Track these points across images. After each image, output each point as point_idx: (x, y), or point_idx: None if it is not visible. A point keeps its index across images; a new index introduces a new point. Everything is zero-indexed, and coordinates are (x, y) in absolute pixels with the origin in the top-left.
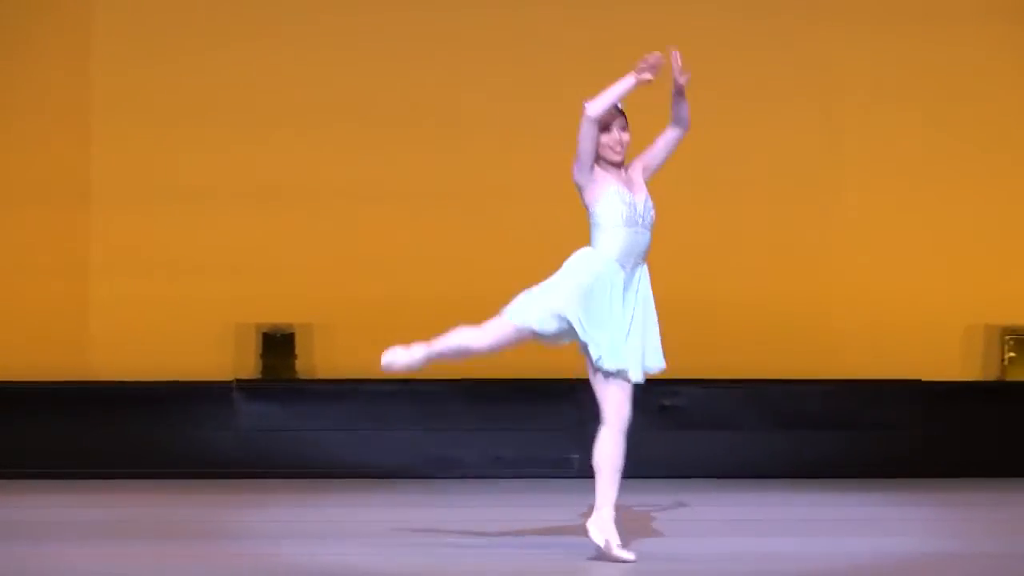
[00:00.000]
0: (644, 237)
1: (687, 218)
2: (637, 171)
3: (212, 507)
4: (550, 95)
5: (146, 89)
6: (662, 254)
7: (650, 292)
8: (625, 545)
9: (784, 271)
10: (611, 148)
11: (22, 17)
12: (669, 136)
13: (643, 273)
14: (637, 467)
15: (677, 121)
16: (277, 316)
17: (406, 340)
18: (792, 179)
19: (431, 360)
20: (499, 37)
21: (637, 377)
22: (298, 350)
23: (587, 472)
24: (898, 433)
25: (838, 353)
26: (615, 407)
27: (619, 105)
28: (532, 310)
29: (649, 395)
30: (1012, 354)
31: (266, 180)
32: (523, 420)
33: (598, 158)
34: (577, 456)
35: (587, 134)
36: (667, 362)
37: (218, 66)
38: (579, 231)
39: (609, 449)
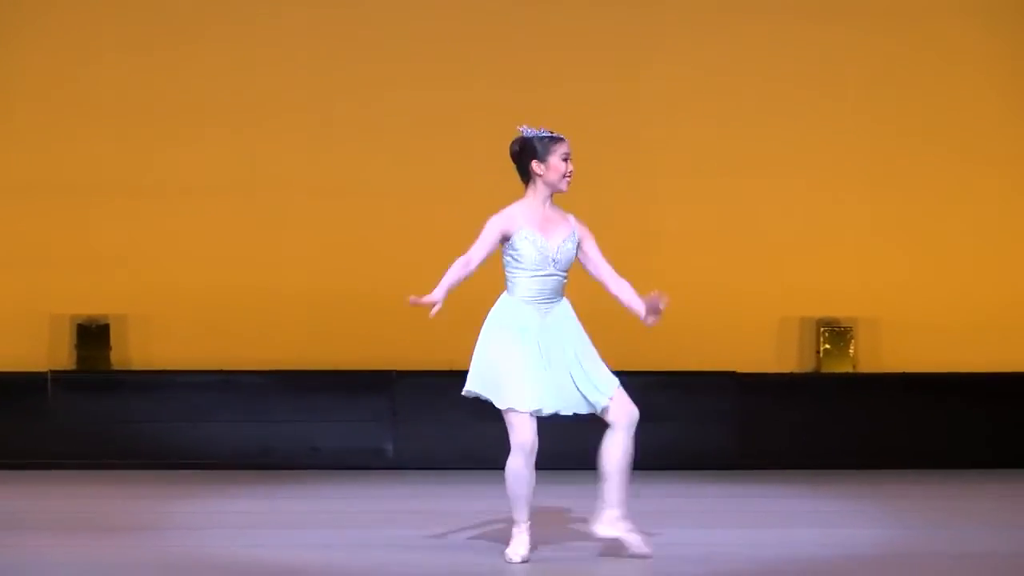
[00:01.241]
0: (557, 278)
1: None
2: (573, 233)
3: (20, 499)
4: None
5: None
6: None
7: (577, 329)
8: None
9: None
10: (564, 178)
11: None
12: (607, 281)
13: (562, 309)
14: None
15: (620, 300)
16: (92, 308)
17: (222, 332)
18: (612, 171)
19: None
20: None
21: (549, 410)
22: (113, 341)
23: (402, 462)
24: (714, 425)
25: (654, 345)
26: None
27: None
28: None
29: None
30: (827, 346)
31: (80, 172)
32: (339, 411)
33: (535, 184)
34: (391, 447)
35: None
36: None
37: (22, 59)
38: (391, 227)
39: (610, 451)
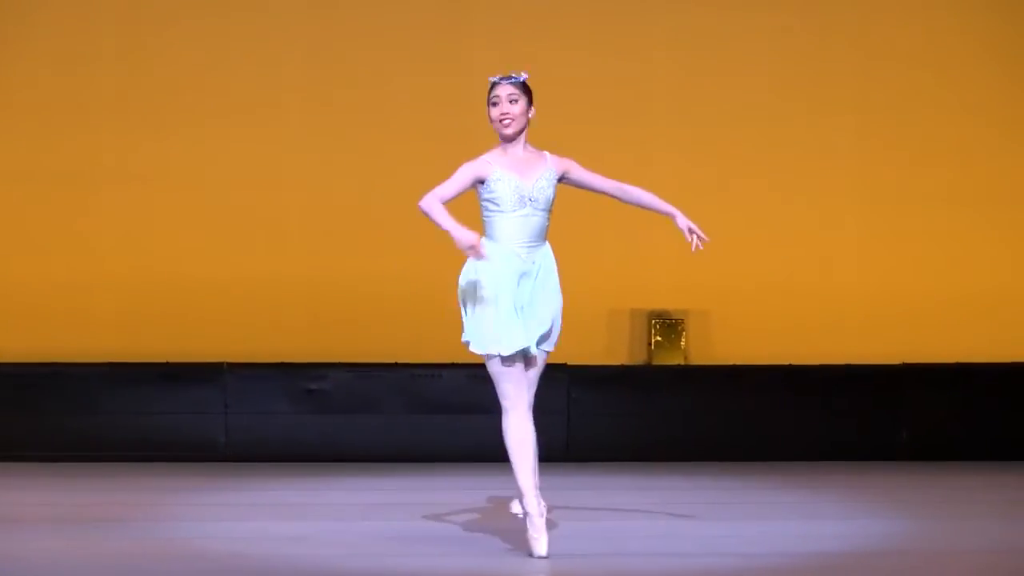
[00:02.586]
0: (536, 218)
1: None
2: (550, 170)
3: None
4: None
5: None
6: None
7: (553, 275)
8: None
9: (419, 253)
10: (498, 122)
11: None
12: (613, 191)
13: (544, 254)
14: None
15: (639, 204)
16: None
17: (55, 323)
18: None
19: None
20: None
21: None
22: None
23: (233, 454)
24: (544, 418)
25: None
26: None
27: (502, 78)
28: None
29: (297, 380)
30: (659, 338)
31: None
32: (169, 403)
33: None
34: (223, 440)
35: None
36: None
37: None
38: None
39: (511, 433)
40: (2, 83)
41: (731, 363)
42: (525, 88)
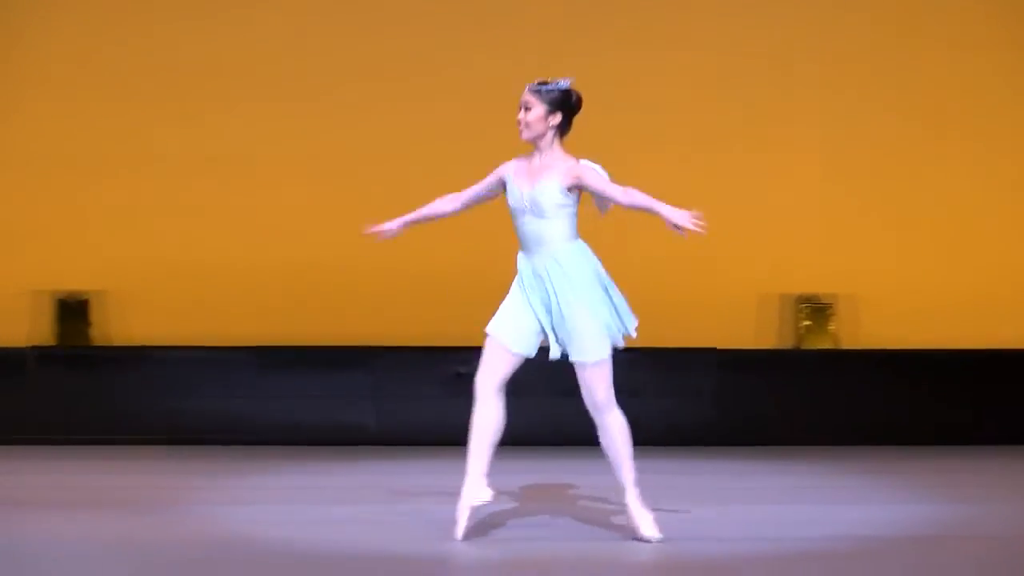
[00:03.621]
0: (534, 225)
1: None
2: (558, 179)
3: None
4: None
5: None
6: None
7: (566, 282)
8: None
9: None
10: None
11: None
12: (616, 197)
13: (552, 261)
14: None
15: (636, 206)
16: (72, 283)
17: (202, 307)
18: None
19: None
20: None
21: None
22: (93, 317)
23: (383, 438)
24: (695, 401)
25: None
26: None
27: (531, 84)
28: None
29: (447, 363)
30: (808, 322)
31: (59, 146)
32: (320, 387)
33: None
34: (373, 422)
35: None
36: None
37: (99, 35)
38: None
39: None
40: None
41: (880, 347)
42: (545, 95)
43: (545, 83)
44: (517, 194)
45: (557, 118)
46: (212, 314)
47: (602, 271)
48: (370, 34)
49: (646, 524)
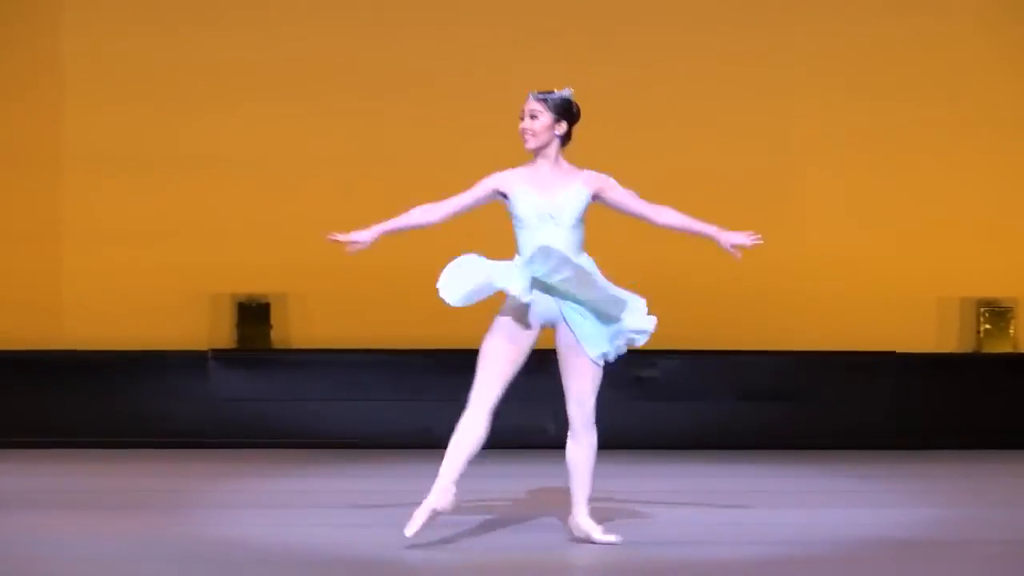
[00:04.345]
0: (555, 234)
1: (660, 186)
2: (579, 189)
3: (180, 477)
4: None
5: (119, 58)
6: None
7: (590, 279)
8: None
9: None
10: (521, 135)
11: None
12: (647, 215)
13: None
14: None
15: (673, 227)
16: (252, 286)
17: (381, 309)
18: (764, 148)
19: None
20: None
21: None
22: (273, 320)
23: (561, 441)
24: (872, 405)
25: (813, 324)
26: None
27: (535, 93)
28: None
29: (625, 366)
30: (988, 326)
31: (241, 149)
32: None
33: None
34: (553, 425)
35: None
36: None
37: (187, 38)
38: None
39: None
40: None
41: None
42: (551, 104)
43: (550, 92)
44: (535, 203)
45: (563, 127)
46: (389, 316)
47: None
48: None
49: (598, 531)
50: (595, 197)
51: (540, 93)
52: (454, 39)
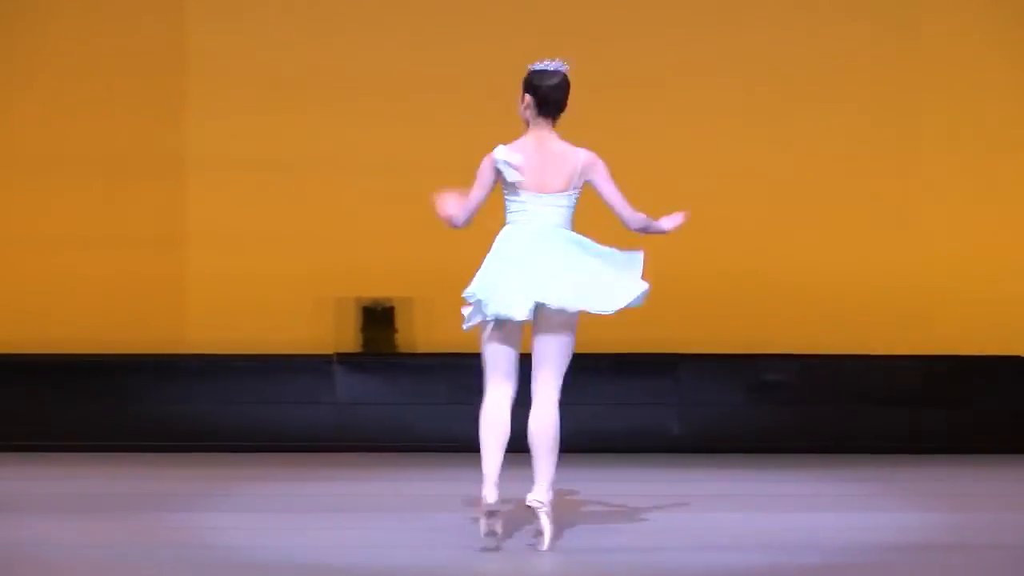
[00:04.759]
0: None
1: (779, 187)
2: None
3: (307, 480)
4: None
5: (240, 63)
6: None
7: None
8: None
9: (889, 247)
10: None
11: None
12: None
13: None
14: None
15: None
16: (377, 290)
17: None
18: (878, 141)
19: None
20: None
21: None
22: (398, 324)
23: (687, 445)
24: (999, 409)
25: (939, 327)
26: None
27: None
28: None
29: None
30: None
31: (365, 152)
32: (622, 395)
33: None
34: (676, 429)
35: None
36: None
37: (309, 42)
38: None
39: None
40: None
41: None
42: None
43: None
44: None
45: (527, 99)
46: None
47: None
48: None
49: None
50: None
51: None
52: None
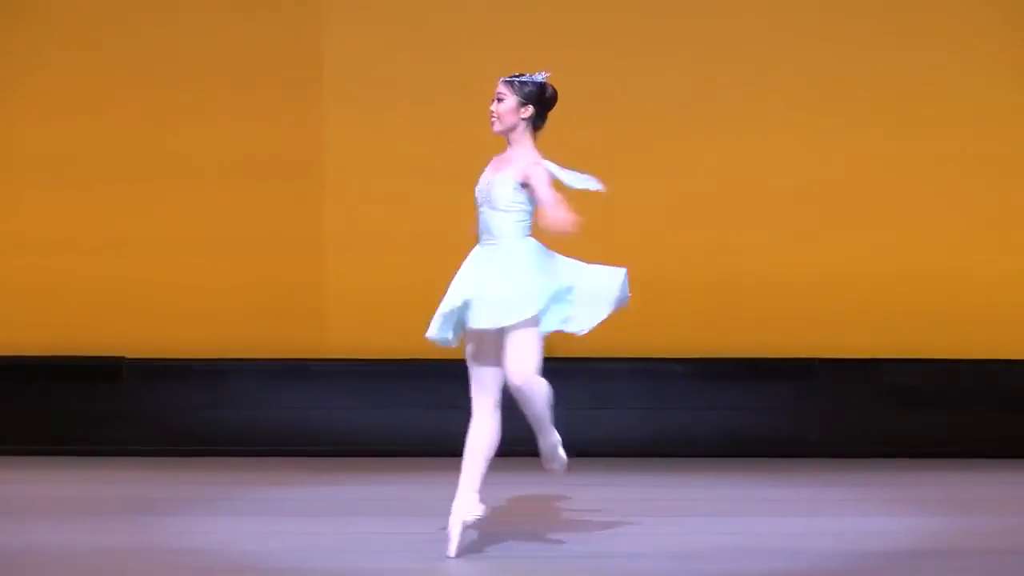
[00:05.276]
0: (488, 216)
1: (911, 189)
2: (511, 173)
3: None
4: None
5: (380, 68)
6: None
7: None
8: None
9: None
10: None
11: None
12: (543, 208)
13: (502, 253)
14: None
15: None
16: None
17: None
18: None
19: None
20: None
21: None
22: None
23: (823, 451)
24: None
25: None
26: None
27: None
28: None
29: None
30: None
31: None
32: (755, 399)
33: None
34: (814, 436)
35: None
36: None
37: (448, 51)
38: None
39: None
40: None
41: None
42: (518, 87)
43: (520, 76)
44: (480, 184)
45: (528, 111)
46: (645, 324)
47: (552, 265)
48: None
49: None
50: (525, 185)
51: (510, 76)
52: None
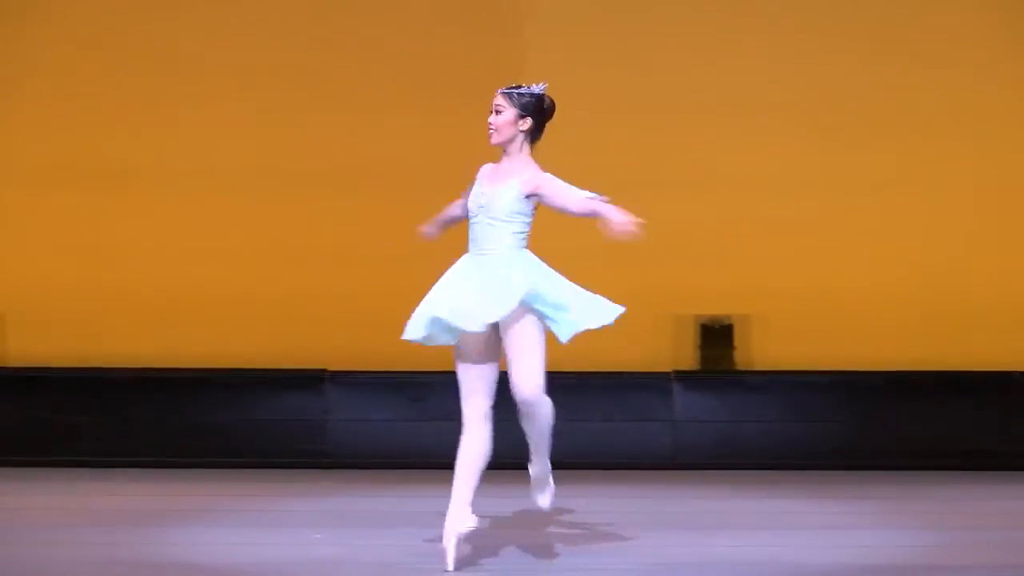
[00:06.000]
0: (486, 228)
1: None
2: (515, 184)
3: (660, 498)
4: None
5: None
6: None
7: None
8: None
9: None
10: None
11: None
12: (569, 209)
13: (497, 263)
14: None
15: (582, 214)
16: (716, 307)
17: (840, 331)
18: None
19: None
20: None
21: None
22: (736, 341)
23: (1013, 464)
24: None
25: None
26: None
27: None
28: None
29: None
30: None
31: (701, 167)
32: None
33: None
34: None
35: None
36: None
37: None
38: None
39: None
40: None
41: None
42: (516, 99)
43: (518, 87)
44: (477, 194)
45: (527, 123)
46: (847, 338)
47: (546, 278)
48: None
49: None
50: (535, 196)
51: (507, 88)
52: None
